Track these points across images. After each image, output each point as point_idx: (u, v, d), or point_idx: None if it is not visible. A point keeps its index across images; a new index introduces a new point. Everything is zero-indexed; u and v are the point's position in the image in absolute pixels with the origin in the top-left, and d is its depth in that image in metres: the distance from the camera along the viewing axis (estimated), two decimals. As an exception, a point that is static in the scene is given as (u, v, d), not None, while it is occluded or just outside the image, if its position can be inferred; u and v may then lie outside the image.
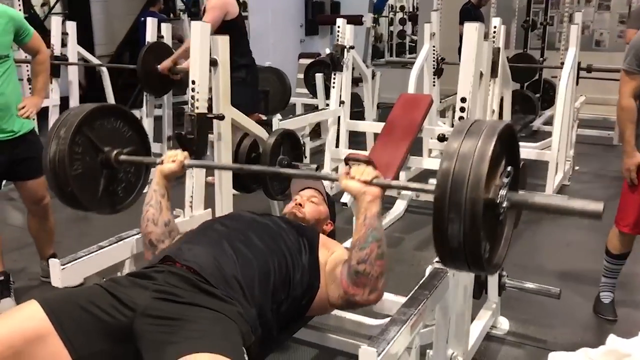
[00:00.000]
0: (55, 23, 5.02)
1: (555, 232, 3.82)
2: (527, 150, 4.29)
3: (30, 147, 2.83)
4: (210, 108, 2.49)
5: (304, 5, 9.54)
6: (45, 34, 4.67)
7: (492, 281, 2.61)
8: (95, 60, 5.91)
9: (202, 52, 2.39)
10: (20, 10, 4.79)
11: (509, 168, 1.41)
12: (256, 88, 4.28)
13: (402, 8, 12.33)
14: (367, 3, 8.35)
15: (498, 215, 1.37)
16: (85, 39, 8.51)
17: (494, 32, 3.74)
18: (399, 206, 4.16)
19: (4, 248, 2.98)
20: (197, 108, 2.40)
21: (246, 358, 1.43)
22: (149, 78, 4.50)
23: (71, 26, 5.18)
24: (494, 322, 2.65)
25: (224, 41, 2.49)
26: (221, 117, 2.46)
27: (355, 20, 7.60)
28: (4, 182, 3.12)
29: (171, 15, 8.72)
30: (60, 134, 1.87)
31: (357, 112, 5.25)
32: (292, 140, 2.94)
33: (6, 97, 2.72)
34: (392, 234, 3.81)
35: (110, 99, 5.77)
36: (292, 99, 6.55)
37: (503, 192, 1.34)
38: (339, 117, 4.41)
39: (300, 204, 2.11)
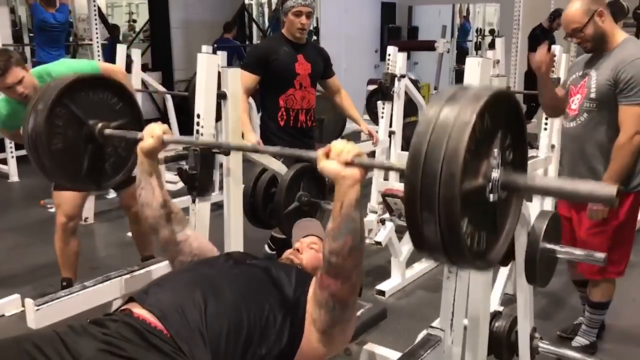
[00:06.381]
0: (120, 51, 5.17)
1: (619, 285, 3.40)
2: None
3: None
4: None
5: (380, 31, 9.41)
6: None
7: (523, 343, 2.31)
8: (160, 88, 6.04)
9: (207, 85, 2.30)
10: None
11: (507, 143, 1.18)
12: None
13: (491, 32, 11.94)
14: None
15: (493, 202, 1.14)
16: (166, 64, 8.88)
17: (554, 62, 3.42)
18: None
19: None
20: (202, 143, 2.29)
21: None
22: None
23: (136, 54, 5.32)
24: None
25: (234, 74, 2.39)
26: (227, 153, 2.34)
27: (427, 45, 7.42)
28: None
29: (246, 41, 8.90)
30: (38, 107, 1.77)
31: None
32: (313, 176, 2.78)
33: None
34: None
35: (173, 124, 5.88)
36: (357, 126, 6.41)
37: (496, 173, 1.10)
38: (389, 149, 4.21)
39: (298, 250, 1.96)
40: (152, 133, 1.79)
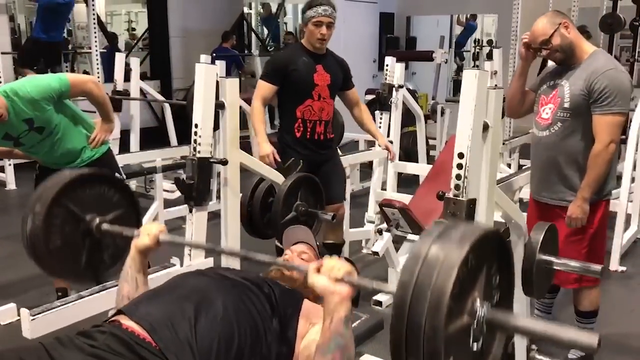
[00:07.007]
0: (118, 59, 5.18)
1: (617, 295, 3.40)
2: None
3: (103, 166, 2.97)
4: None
5: (378, 41, 9.44)
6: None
7: (520, 355, 2.31)
8: (158, 96, 6.05)
9: (205, 95, 2.30)
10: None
11: (495, 280, 1.18)
12: None
13: (489, 42, 11.98)
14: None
15: (477, 336, 1.14)
16: (164, 73, 8.89)
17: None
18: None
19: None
20: (199, 152, 2.30)
21: None
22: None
23: (134, 62, 5.34)
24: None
25: (232, 84, 2.39)
26: (224, 162, 2.35)
27: (425, 55, 7.44)
28: None
29: (245, 50, 8.91)
30: (35, 209, 1.76)
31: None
32: (311, 185, 2.78)
33: (67, 154, 2.85)
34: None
35: (171, 132, 5.89)
36: (356, 136, 6.41)
37: (481, 310, 1.11)
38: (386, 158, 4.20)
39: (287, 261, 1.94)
40: (148, 232, 1.77)
